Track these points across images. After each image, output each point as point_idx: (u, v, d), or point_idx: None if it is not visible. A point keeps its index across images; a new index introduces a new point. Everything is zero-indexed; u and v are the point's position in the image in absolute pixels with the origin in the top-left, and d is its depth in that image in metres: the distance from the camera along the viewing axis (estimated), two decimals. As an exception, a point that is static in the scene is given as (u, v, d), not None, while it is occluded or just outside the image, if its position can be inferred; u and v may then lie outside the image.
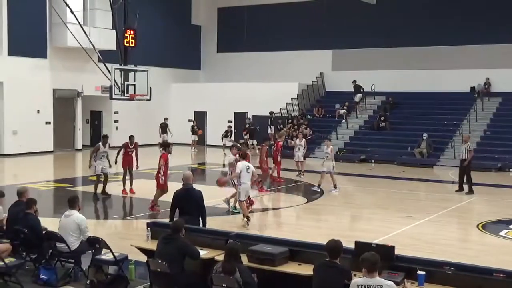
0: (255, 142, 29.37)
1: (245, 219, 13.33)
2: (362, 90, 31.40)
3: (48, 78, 28.94)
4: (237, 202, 14.19)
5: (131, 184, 17.62)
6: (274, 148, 20.51)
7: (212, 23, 37.65)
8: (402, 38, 31.14)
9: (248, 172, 13.40)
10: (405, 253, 7.87)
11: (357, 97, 31.56)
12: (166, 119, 31.80)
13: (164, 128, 31.53)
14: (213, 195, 16.82)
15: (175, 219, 9.61)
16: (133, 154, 17.78)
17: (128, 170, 17.71)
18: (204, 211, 10.09)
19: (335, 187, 18.67)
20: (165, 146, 15.82)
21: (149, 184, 17.36)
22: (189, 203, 9.88)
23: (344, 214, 16.17)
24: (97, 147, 17.33)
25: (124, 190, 17.54)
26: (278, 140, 20.97)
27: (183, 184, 10.17)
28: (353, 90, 31.61)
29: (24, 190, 10.37)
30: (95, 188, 17.21)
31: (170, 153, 15.61)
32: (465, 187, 18.52)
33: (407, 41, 31.08)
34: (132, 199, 17.18)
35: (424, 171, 24.45)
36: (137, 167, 17.92)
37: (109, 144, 17.59)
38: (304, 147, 22.46)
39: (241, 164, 13.54)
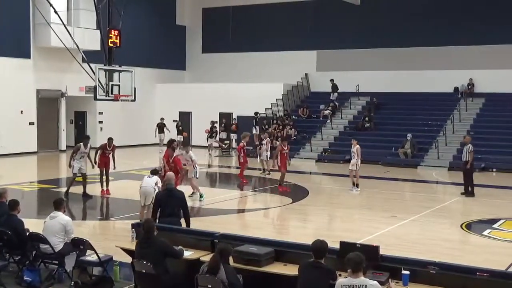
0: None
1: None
2: (337, 89, 31.86)
3: (31, 79, 28.74)
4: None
5: (107, 185, 17.57)
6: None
7: (197, 24, 37.60)
8: (387, 39, 31.29)
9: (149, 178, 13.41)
10: (389, 253, 7.91)
11: (333, 96, 31.78)
12: (162, 118, 31.95)
13: (161, 127, 31.61)
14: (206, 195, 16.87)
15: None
16: (110, 155, 17.69)
17: (104, 171, 17.63)
18: (187, 211, 10.12)
19: (356, 186, 19.03)
20: (169, 143, 15.95)
21: (133, 184, 17.33)
22: (171, 203, 9.89)
23: (329, 214, 16.22)
24: (78, 147, 17.33)
25: (102, 190, 17.48)
26: (242, 141, 21.04)
27: (165, 185, 10.18)
28: (332, 89, 31.92)
29: (4, 191, 10.29)
30: (68, 187, 17.26)
31: (174, 150, 15.74)
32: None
33: (392, 42, 31.24)
34: (117, 200, 17.10)
35: (408, 171, 24.59)
36: (114, 167, 17.89)
37: (90, 145, 17.53)
38: (267, 147, 22.94)
39: None
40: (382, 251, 7.39)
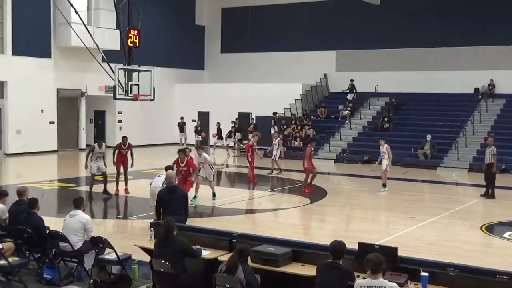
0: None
1: None
2: (354, 90, 31.82)
3: (52, 78, 28.99)
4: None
5: (125, 184, 17.61)
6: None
7: (216, 24, 37.66)
8: (406, 39, 31.12)
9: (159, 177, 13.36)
10: (408, 254, 7.86)
11: (350, 96, 31.74)
12: (182, 117, 32.02)
13: (181, 127, 31.75)
14: (219, 195, 16.88)
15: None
16: (128, 154, 17.75)
17: (122, 170, 17.69)
18: (187, 209, 10.18)
19: (384, 186, 18.95)
20: (180, 151, 15.35)
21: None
22: (173, 202, 9.92)
23: (347, 215, 16.16)
24: (92, 148, 17.43)
25: (117, 189, 17.51)
26: (251, 140, 21.21)
27: (166, 184, 10.20)
28: (349, 89, 31.96)
29: (24, 189, 10.40)
30: (90, 188, 17.26)
31: (185, 154, 15.25)
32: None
33: (411, 42, 31.05)
34: (135, 199, 17.17)
35: (428, 172, 24.41)
36: (132, 165, 17.91)
37: (105, 145, 17.63)
38: (278, 147, 23.13)
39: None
40: (400, 253, 7.34)
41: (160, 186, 12.71)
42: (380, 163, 19.27)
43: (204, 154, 16.46)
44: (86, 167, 17.50)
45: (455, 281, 6.87)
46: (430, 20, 30.63)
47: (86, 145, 30.91)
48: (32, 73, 27.87)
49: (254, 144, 20.83)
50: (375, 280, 6.20)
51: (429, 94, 30.43)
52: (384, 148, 19.05)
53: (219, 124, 31.38)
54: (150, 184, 13.46)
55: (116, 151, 17.75)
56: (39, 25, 28.12)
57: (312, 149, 19.50)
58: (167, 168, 13.30)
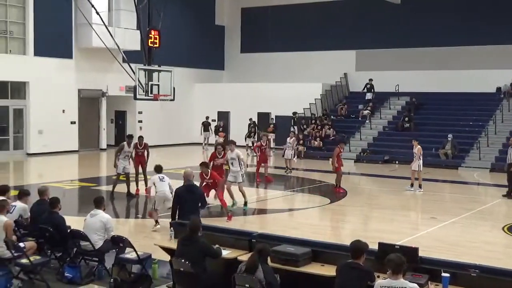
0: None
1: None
2: (373, 90, 31.69)
3: (73, 78, 29.23)
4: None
5: (145, 184, 17.48)
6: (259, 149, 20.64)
7: (236, 23, 37.71)
8: (427, 38, 30.89)
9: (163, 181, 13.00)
10: (429, 255, 7.81)
11: (368, 96, 31.65)
12: (207, 117, 32.17)
13: (206, 126, 31.87)
14: (239, 195, 16.87)
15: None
16: (144, 154, 17.77)
17: (141, 170, 17.75)
18: (204, 208, 10.12)
19: (420, 186, 18.86)
20: (202, 165, 14.62)
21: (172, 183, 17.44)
22: (191, 200, 9.87)
23: (367, 215, 16.08)
24: (122, 147, 17.39)
25: (137, 189, 17.50)
26: (260, 140, 21.16)
27: (184, 182, 10.15)
28: (368, 88, 31.83)
29: (45, 189, 10.50)
30: (113, 187, 17.34)
31: (207, 167, 14.68)
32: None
33: (432, 41, 30.81)
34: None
35: (449, 172, 24.23)
36: (146, 165, 17.88)
37: (133, 144, 17.62)
38: (293, 146, 23.26)
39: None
40: (421, 253, 7.29)
41: (167, 190, 12.65)
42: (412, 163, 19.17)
43: (237, 150, 15.45)
44: (115, 165, 17.35)
45: (476, 282, 6.81)
46: (452, 19, 30.35)
47: (107, 145, 31.19)
48: (54, 73, 28.13)
49: (263, 144, 20.73)
50: (395, 281, 6.16)
51: (450, 93, 30.18)
52: (416, 149, 19.00)
53: (254, 123, 31.34)
54: (155, 190, 12.97)
55: (133, 151, 17.78)
56: (61, 26, 28.36)
57: (341, 150, 19.26)
58: (157, 168, 13.35)
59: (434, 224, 14.23)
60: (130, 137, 17.96)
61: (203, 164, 14.61)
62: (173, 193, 10.35)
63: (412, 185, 19.08)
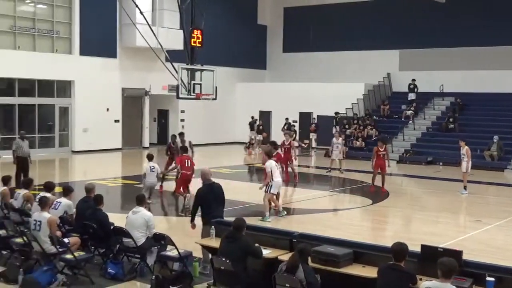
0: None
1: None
2: (416, 90, 31.22)
3: (117, 77, 29.65)
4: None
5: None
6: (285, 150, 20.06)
7: (278, 23, 37.69)
8: (472, 37, 30.33)
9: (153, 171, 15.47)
10: (473, 258, 7.66)
11: (411, 96, 31.15)
12: (253, 117, 32.21)
13: (252, 125, 32.01)
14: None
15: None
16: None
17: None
18: (224, 204, 10.04)
19: (464, 188, 18.53)
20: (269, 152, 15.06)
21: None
22: (214, 199, 9.79)
23: (410, 216, 15.89)
24: (169, 144, 17.87)
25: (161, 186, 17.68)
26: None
27: (203, 181, 10.00)
28: (411, 89, 31.37)
29: (92, 186, 10.66)
30: (161, 184, 17.67)
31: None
32: None
33: (477, 40, 30.22)
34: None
35: (494, 174, 23.74)
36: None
37: (180, 141, 18.13)
38: (341, 146, 23.02)
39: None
40: (465, 256, 7.16)
41: (154, 181, 15.54)
42: (460, 165, 18.84)
43: (268, 163, 14.50)
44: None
45: (522, 287, 6.65)
46: (497, 18, 29.72)
47: (150, 144, 31.56)
48: (98, 72, 28.59)
49: (285, 143, 20.56)
50: (442, 284, 6.07)
51: (496, 94, 29.56)
52: (464, 150, 18.57)
53: (291, 123, 31.34)
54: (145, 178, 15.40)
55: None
56: (106, 26, 28.82)
57: (379, 148, 19.04)
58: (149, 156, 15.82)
59: (479, 227, 13.97)
60: (182, 134, 18.83)
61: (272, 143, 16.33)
62: (195, 195, 10.18)
63: (465, 187, 18.62)
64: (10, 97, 26.40)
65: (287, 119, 31.56)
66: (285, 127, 30.06)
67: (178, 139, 18.80)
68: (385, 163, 18.96)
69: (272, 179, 14.08)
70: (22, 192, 11.17)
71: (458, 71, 30.72)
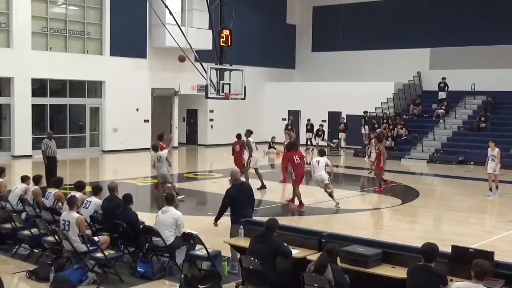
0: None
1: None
2: (446, 89, 30.71)
3: (147, 78, 29.88)
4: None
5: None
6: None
7: (307, 22, 37.59)
8: (504, 35, 29.87)
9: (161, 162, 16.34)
10: (505, 259, 7.54)
11: (441, 95, 30.72)
12: (309, 120, 32.03)
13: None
14: (308, 194, 16.84)
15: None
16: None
17: None
18: (254, 203, 10.23)
19: (490, 190, 18.09)
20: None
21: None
22: (243, 198, 9.88)
23: (440, 217, 15.72)
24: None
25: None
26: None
27: (232, 181, 10.09)
28: (441, 87, 30.92)
29: (115, 185, 10.75)
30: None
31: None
32: None
33: (510, 38, 29.77)
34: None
35: (527, 174, 23.33)
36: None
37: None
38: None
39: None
40: (497, 257, 7.05)
41: (165, 170, 16.37)
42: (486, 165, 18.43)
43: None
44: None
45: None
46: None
47: (179, 143, 31.73)
48: (129, 73, 28.85)
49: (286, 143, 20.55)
50: (474, 285, 6.00)
51: (529, 93, 29.11)
52: (495, 151, 18.19)
53: (321, 126, 31.35)
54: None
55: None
56: (136, 27, 29.07)
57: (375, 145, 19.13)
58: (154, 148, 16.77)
59: (511, 228, 13.75)
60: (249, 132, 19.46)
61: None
62: (224, 194, 10.32)
63: (496, 187, 18.24)
64: (42, 98, 26.79)
65: (308, 120, 31.59)
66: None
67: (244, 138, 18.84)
68: (377, 161, 18.91)
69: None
70: (53, 191, 11.30)
71: (490, 69, 30.27)
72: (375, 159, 19.83)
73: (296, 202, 15.83)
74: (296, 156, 15.99)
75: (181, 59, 18.47)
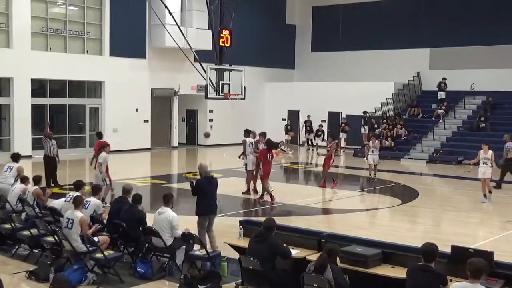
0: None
1: None
2: (445, 89, 30.72)
3: (146, 78, 29.87)
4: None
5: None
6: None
7: (307, 22, 37.58)
8: (504, 35, 29.87)
9: None
10: (505, 259, 7.55)
11: (440, 95, 30.72)
12: (309, 116, 32.23)
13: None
14: (308, 194, 16.85)
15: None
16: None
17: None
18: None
19: (484, 196, 17.16)
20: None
21: (241, 181, 17.60)
22: (211, 190, 10.51)
23: (440, 217, 15.72)
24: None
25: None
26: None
27: (202, 174, 10.64)
28: (441, 88, 30.92)
29: (130, 188, 10.84)
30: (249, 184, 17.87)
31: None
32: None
33: (509, 38, 29.77)
34: (226, 197, 17.36)
35: (527, 174, 23.31)
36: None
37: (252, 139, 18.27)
38: (376, 150, 21.04)
39: None
40: (496, 258, 7.06)
41: None
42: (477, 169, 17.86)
43: None
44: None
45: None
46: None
47: (178, 143, 31.73)
48: (128, 73, 28.83)
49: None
50: (471, 284, 6.01)
51: (528, 93, 29.11)
52: (489, 154, 17.42)
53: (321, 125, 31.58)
54: None
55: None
56: (135, 27, 29.05)
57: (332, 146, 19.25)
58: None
59: (510, 228, 13.75)
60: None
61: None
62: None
63: (485, 195, 17.35)
64: (41, 98, 26.77)
65: (308, 116, 31.70)
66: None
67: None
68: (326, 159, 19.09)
69: None
70: (74, 194, 11.17)
71: (490, 69, 30.29)
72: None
73: (267, 197, 16.32)
74: (270, 155, 16.43)
75: (206, 135, 21.39)
